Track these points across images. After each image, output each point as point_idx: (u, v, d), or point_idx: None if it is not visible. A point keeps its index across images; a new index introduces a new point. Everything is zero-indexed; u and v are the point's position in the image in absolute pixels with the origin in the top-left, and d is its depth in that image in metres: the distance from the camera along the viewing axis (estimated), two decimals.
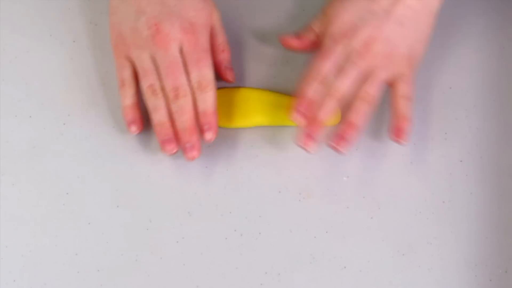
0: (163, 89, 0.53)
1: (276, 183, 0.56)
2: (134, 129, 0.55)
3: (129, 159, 0.56)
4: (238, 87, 0.58)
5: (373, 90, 0.54)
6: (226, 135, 0.57)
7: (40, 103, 0.58)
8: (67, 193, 0.55)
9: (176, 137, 0.54)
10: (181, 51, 0.53)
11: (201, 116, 0.53)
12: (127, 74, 0.54)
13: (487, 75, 0.60)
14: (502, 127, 0.59)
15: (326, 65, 0.54)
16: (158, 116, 0.53)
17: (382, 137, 0.58)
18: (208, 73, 0.54)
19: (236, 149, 0.57)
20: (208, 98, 0.53)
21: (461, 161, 0.57)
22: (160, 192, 0.55)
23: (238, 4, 0.62)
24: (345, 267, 0.54)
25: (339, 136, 0.54)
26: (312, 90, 0.54)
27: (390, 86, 0.56)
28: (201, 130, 0.54)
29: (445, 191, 0.56)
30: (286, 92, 0.58)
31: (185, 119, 0.53)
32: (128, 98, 0.55)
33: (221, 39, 0.57)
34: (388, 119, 0.56)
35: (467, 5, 0.62)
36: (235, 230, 0.55)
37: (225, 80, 0.57)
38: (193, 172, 0.56)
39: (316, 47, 0.57)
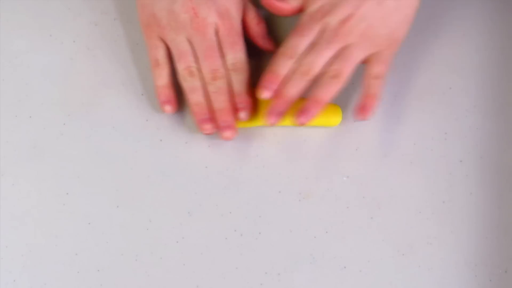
0: (199, 71, 0.55)
1: (276, 183, 0.56)
2: (168, 108, 0.56)
3: (129, 159, 0.56)
4: None
5: (344, 67, 0.54)
6: None
7: (40, 103, 0.58)
8: (67, 193, 0.55)
9: (212, 117, 0.55)
10: (216, 34, 0.55)
11: (236, 96, 0.55)
12: (162, 54, 0.56)
13: (487, 75, 0.60)
14: (502, 127, 0.59)
15: (301, 42, 0.54)
16: (196, 96, 0.55)
17: (382, 137, 0.58)
18: (242, 56, 0.55)
19: (236, 149, 0.57)
20: (243, 79, 0.55)
21: (461, 161, 0.57)
22: (160, 192, 0.55)
23: None
24: (345, 267, 0.54)
25: (302, 110, 0.54)
26: (284, 66, 0.54)
27: (365, 64, 0.55)
28: (236, 110, 0.55)
29: (445, 191, 0.56)
30: None
31: (222, 99, 0.55)
32: (163, 78, 0.56)
33: (253, 13, 0.57)
34: (389, 120, 0.57)
35: (467, 5, 0.62)
36: (235, 230, 0.55)
37: (266, 50, 0.58)
38: (193, 172, 0.56)
39: (298, 13, 0.57)
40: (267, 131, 0.57)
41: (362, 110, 0.55)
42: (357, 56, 0.54)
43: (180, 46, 0.55)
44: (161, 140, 0.57)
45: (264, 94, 0.54)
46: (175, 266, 0.54)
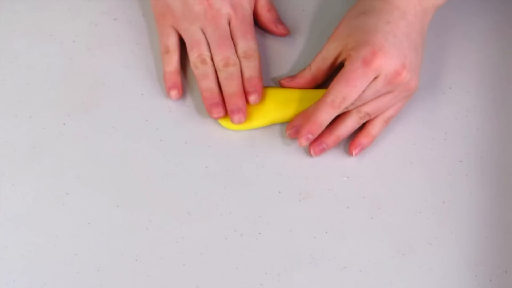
0: (211, 59, 0.56)
1: (276, 183, 0.56)
2: (174, 93, 0.57)
3: (129, 159, 0.56)
4: None
5: (377, 113, 0.55)
6: (227, 135, 0.57)
7: (40, 103, 0.58)
8: (67, 193, 0.55)
9: (223, 103, 0.56)
10: (229, 24, 0.57)
11: (247, 81, 0.56)
12: (173, 42, 0.57)
13: (487, 75, 0.60)
14: (502, 127, 0.59)
15: (351, 95, 0.52)
16: (207, 82, 0.56)
17: (382, 137, 0.58)
18: (253, 44, 0.57)
19: (236, 149, 0.57)
20: (254, 65, 0.57)
21: (461, 161, 0.57)
22: (160, 192, 0.55)
23: None
24: (345, 267, 0.54)
25: (319, 142, 0.56)
26: (329, 117, 0.54)
27: None
28: (246, 94, 0.56)
29: (445, 191, 0.56)
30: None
31: (234, 84, 0.56)
32: (172, 64, 0.57)
33: (265, 1, 0.59)
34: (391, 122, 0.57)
35: (467, 5, 0.62)
36: (235, 230, 0.55)
37: (280, 35, 0.60)
38: (193, 172, 0.56)
39: (311, 84, 0.57)
40: (267, 131, 0.57)
41: (358, 148, 0.56)
42: (391, 103, 0.55)
43: (194, 35, 0.56)
44: (161, 140, 0.57)
45: (303, 143, 0.55)
46: (175, 266, 0.54)
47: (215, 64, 0.56)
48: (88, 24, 0.60)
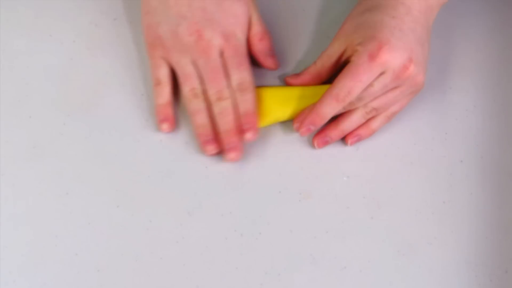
0: (204, 92, 0.55)
1: (276, 183, 0.56)
2: (165, 126, 0.56)
3: (129, 159, 0.56)
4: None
5: (383, 108, 0.55)
6: None
7: (40, 103, 0.58)
8: (67, 193, 0.55)
9: (216, 138, 0.55)
10: (221, 55, 0.54)
11: (242, 117, 0.55)
12: (164, 73, 0.56)
13: (487, 75, 0.60)
14: (502, 127, 0.59)
15: (355, 89, 0.52)
16: (200, 118, 0.55)
17: (382, 137, 0.58)
18: (247, 76, 0.55)
19: None
20: (249, 99, 0.55)
21: (461, 161, 0.57)
22: (160, 192, 0.55)
23: None
24: (345, 267, 0.54)
25: (322, 134, 0.56)
26: (332, 110, 0.54)
27: None
28: (242, 130, 0.55)
29: (445, 191, 0.56)
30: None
31: (228, 120, 0.54)
32: (164, 97, 0.56)
33: (257, 29, 0.57)
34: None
35: (467, 5, 0.62)
36: (235, 230, 0.55)
37: (268, 68, 0.58)
38: (193, 172, 0.56)
39: (317, 81, 0.57)
40: (267, 131, 0.57)
41: (355, 138, 0.56)
42: (398, 98, 0.55)
43: (185, 68, 0.55)
44: (161, 140, 0.57)
45: (304, 133, 0.55)
46: (175, 266, 0.54)
47: (209, 97, 0.55)
48: (88, 24, 0.60)
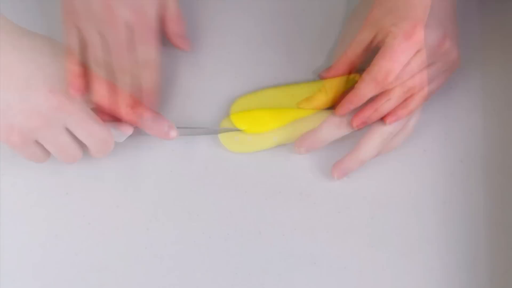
0: (107, 64, 0.54)
1: (276, 183, 0.56)
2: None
3: (129, 159, 0.56)
4: (255, 91, 0.58)
5: (416, 104, 0.55)
6: None
7: None
8: (67, 193, 0.55)
9: (113, 109, 0.54)
10: (129, 30, 0.53)
11: (142, 93, 0.54)
12: (74, 40, 0.54)
13: (487, 75, 0.60)
14: (502, 127, 0.59)
15: (393, 71, 0.52)
16: (99, 87, 0.53)
17: None
18: (153, 53, 0.54)
19: None
20: (151, 77, 0.54)
21: (461, 161, 0.57)
22: (160, 192, 0.55)
23: (238, 5, 0.62)
24: (345, 267, 0.54)
25: (363, 120, 0.55)
26: (371, 92, 0.53)
27: None
28: (139, 106, 0.54)
29: (445, 191, 0.56)
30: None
31: (126, 94, 0.54)
32: (74, 64, 0.54)
33: (171, 10, 0.57)
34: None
35: (467, 5, 0.62)
36: (235, 230, 0.55)
37: (180, 48, 0.58)
38: (193, 172, 0.56)
39: (350, 69, 0.57)
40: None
41: (394, 117, 0.55)
42: (434, 76, 0.55)
43: (92, 37, 0.54)
44: (161, 140, 0.57)
45: (341, 112, 0.55)
46: (175, 266, 0.54)
47: (111, 69, 0.54)
48: None
